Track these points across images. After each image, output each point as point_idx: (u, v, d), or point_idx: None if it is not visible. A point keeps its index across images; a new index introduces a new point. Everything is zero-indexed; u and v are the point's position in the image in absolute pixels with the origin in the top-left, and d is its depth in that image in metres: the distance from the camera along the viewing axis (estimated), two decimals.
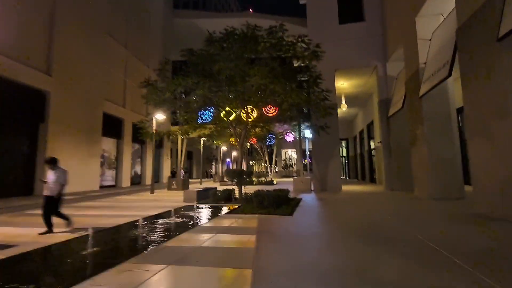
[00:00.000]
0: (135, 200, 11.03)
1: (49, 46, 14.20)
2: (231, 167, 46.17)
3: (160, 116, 13.72)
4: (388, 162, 13.44)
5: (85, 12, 16.76)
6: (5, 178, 12.11)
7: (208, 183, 23.28)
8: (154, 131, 10.18)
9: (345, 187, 14.69)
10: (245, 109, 11.38)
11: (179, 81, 7.78)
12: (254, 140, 23.86)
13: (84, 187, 15.88)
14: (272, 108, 14.42)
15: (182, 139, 25.48)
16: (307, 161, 31.25)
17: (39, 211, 5.45)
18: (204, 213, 7.17)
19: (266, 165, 40.39)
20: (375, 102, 15.56)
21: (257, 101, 9.15)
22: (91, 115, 16.98)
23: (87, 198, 12.18)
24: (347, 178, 29.43)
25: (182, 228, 5.42)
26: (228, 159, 45.64)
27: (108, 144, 19.25)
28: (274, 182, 21.07)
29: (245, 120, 14.65)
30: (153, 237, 4.70)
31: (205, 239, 4.48)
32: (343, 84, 16.20)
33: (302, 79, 9.48)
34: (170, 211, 7.36)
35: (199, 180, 25.80)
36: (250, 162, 55.31)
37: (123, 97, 20.68)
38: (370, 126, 19.60)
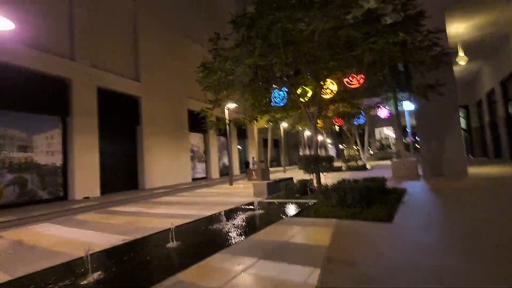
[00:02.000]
0: (209, 194, 10.35)
1: (135, 54, 15.24)
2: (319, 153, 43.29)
3: (230, 105, 12.77)
4: None
5: (163, 16, 17.40)
6: (115, 175, 13.60)
7: (292, 172, 21.55)
8: (214, 121, 9.06)
9: (472, 170, 10.32)
10: (322, 83, 9.13)
11: (226, 53, 6.24)
12: (339, 120, 20.59)
13: (177, 180, 16.81)
14: (355, 77, 11.37)
15: (266, 128, 24.62)
16: (408, 139, 25.41)
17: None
18: (259, 217, 5.42)
19: (357, 147, 35.62)
20: None
21: (328, 64, 6.66)
22: (177, 113, 17.75)
23: (172, 192, 12.40)
24: (470, 156, 22.38)
25: (209, 247, 3.63)
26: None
27: (196, 139, 19.98)
28: (368, 167, 17.52)
29: (323, 97, 12.15)
30: (161, 264, 3.30)
31: (225, 276, 2.74)
32: (458, 29, 11.39)
33: (389, 22, 6.33)
34: (221, 213, 5.88)
35: (283, 168, 24.39)
36: (340, 146, 50.72)
37: (204, 92, 21.07)
38: (507, 82, 13.57)
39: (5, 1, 9.08)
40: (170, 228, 3.85)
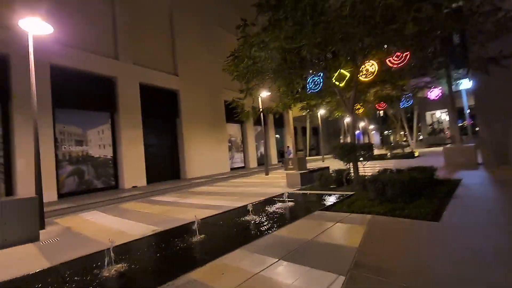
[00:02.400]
0: (243, 184, 10.30)
1: (173, 48, 15.71)
2: (361, 140, 40.57)
3: (262, 93, 12.46)
4: None
5: (197, 8, 17.55)
6: (159, 166, 14.44)
7: (331, 161, 20.50)
8: (246, 110, 8.87)
9: None
10: (360, 64, 8.39)
11: (252, 39, 5.91)
12: (382, 104, 18.91)
13: (216, 170, 17.25)
14: (400, 55, 10.13)
15: (305, 117, 23.76)
16: (466, 123, 22.32)
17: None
18: (289, 210, 5.12)
19: (405, 133, 32.55)
20: None
21: (364, 41, 5.92)
22: (214, 105, 18.03)
23: (210, 182, 12.71)
24: None
25: (230, 243, 3.55)
26: (358, 131, 40.52)
27: (233, 129, 20.18)
28: (416, 154, 15.84)
29: (361, 80, 11.19)
30: (169, 263, 3.22)
31: (239, 277, 2.54)
32: None
33: None
34: (250, 205, 5.71)
35: (321, 157, 23.44)
36: (386, 132, 47.07)
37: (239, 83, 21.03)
38: None
39: (52, 6, 9.85)
40: (195, 221, 3.82)
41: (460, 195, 4.90)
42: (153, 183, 13.23)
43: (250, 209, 4.71)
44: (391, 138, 33.04)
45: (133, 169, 12.45)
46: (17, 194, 8.62)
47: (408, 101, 19.23)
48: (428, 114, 34.14)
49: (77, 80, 10.95)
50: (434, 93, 18.38)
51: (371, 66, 11.16)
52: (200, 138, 16.49)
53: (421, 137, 33.10)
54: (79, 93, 11.05)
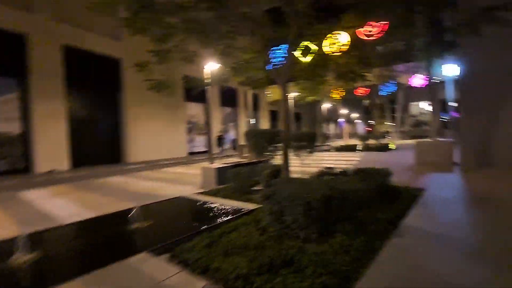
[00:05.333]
0: (162, 176, 7.95)
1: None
2: (344, 129, 38.68)
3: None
4: None
5: None
6: (91, 147, 12.11)
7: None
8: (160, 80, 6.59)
9: None
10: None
11: None
12: (362, 89, 16.86)
13: (170, 154, 15.00)
14: (376, 25, 7.94)
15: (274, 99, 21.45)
16: (450, 116, 20.65)
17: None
18: (116, 242, 2.97)
19: (388, 123, 30.89)
20: None
21: None
22: (171, 79, 15.51)
23: (144, 169, 10.53)
24: None
25: None
26: (341, 119, 38.69)
27: (196, 109, 17.79)
28: (391, 147, 14.00)
29: (331, 53, 9.04)
30: None
31: None
32: None
33: None
34: (91, 220, 3.56)
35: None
36: (370, 122, 45.54)
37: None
38: None
39: None
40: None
41: (409, 225, 2.92)
42: (82, 166, 10.97)
43: (82, 229, 2.60)
44: (377, 128, 31.17)
45: (50, 149, 10.11)
46: None
47: (389, 88, 17.26)
48: (412, 104, 32.49)
49: None
50: (417, 80, 16.39)
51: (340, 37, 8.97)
52: (150, 116, 14.11)
53: (404, 129, 31.56)
54: None
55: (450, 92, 13.65)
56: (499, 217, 3.12)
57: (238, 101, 21.17)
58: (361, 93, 17.28)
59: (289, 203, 2.58)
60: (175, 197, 4.56)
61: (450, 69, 10.42)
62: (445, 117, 21.56)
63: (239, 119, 21.44)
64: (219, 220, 3.27)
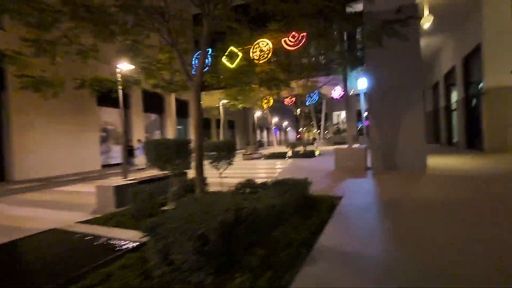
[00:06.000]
0: (46, 202, 6.38)
1: None
2: (277, 137, 40.27)
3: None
4: None
5: None
6: None
7: (238, 157, 18.01)
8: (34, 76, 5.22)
9: (430, 160, 7.73)
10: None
11: None
12: (288, 99, 17.62)
13: (78, 168, 12.55)
14: (295, 37, 8.14)
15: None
16: (363, 124, 23.53)
17: None
18: None
19: (314, 131, 33.52)
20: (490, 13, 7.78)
21: None
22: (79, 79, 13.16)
23: (30, 189, 8.33)
24: None
25: None
26: (275, 127, 40.16)
27: (113, 115, 15.56)
28: (316, 153, 14.85)
29: (257, 61, 8.97)
30: None
31: None
32: None
33: None
34: None
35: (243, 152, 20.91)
36: (300, 130, 48.88)
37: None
38: (470, 58, 11.35)
39: None
40: None
41: (324, 249, 2.63)
42: None
43: None
44: (305, 135, 33.45)
45: None
46: None
47: (313, 98, 18.50)
48: (335, 114, 36.09)
49: None
50: (337, 92, 18.02)
51: (265, 46, 8.87)
52: (49, 124, 11.56)
53: (328, 136, 34.71)
54: None
55: (363, 103, 15.24)
56: (411, 225, 3.13)
57: (166, 107, 19.60)
58: (288, 103, 18.04)
59: (177, 238, 1.92)
60: (46, 231, 3.37)
61: (363, 82, 11.59)
62: (360, 125, 24.36)
63: (166, 127, 19.81)
64: (91, 264, 2.36)
